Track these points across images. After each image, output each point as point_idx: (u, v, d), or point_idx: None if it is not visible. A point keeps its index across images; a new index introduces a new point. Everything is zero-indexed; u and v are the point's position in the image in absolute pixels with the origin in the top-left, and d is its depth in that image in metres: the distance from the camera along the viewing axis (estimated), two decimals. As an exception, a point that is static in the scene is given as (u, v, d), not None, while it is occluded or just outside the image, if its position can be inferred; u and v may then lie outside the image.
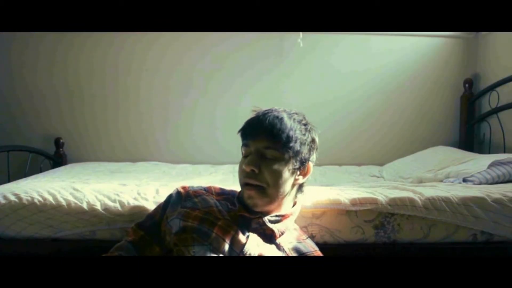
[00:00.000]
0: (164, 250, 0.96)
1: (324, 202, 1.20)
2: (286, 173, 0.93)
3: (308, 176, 1.01)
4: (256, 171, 0.92)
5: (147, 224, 1.02)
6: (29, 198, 1.20)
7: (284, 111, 0.97)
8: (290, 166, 0.94)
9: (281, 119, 0.93)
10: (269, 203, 0.95)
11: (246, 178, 0.93)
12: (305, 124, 0.98)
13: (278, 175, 0.92)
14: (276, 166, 0.92)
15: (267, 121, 0.93)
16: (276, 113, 0.95)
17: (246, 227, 0.94)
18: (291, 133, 0.93)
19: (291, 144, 0.92)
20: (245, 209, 0.96)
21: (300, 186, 1.01)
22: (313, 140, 1.00)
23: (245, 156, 0.96)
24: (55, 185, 1.37)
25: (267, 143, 0.92)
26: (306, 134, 0.97)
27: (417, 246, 1.22)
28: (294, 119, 0.96)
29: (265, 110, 0.97)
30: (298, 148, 0.94)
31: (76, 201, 1.21)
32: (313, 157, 1.01)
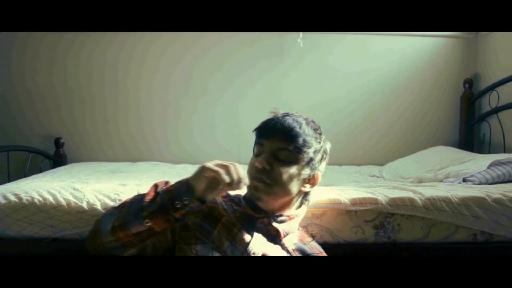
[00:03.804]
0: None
1: (324, 202, 1.20)
2: (296, 178, 0.94)
3: (315, 186, 1.01)
4: (268, 168, 0.92)
5: None
6: (29, 198, 1.20)
7: (301, 116, 0.98)
8: (301, 172, 0.94)
9: (300, 123, 0.94)
10: (272, 200, 0.94)
11: (256, 174, 0.93)
12: (320, 134, 0.99)
13: (288, 177, 0.92)
14: (287, 169, 0.92)
15: (286, 123, 0.93)
16: (294, 117, 0.96)
17: (251, 227, 0.94)
18: (308, 138, 0.93)
19: (306, 149, 0.93)
20: (250, 207, 0.96)
21: (306, 195, 1.01)
22: (325, 151, 1.01)
23: (257, 155, 0.96)
24: (55, 185, 1.37)
25: (282, 144, 0.92)
26: (321, 143, 0.98)
27: (417, 246, 1.22)
28: (311, 126, 0.97)
29: (284, 113, 0.98)
30: (312, 155, 0.94)
31: (76, 201, 1.21)
32: (322, 167, 1.02)
